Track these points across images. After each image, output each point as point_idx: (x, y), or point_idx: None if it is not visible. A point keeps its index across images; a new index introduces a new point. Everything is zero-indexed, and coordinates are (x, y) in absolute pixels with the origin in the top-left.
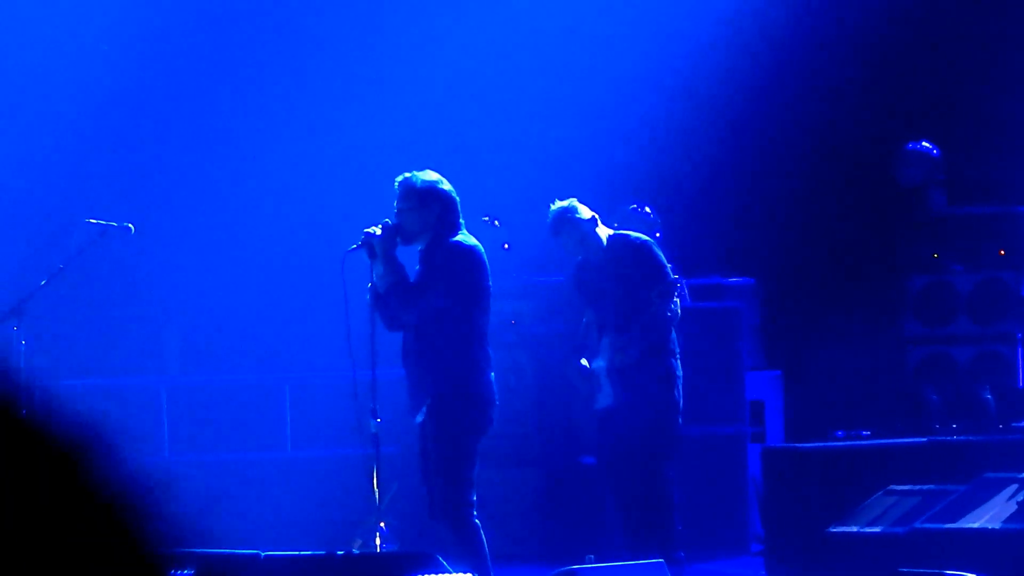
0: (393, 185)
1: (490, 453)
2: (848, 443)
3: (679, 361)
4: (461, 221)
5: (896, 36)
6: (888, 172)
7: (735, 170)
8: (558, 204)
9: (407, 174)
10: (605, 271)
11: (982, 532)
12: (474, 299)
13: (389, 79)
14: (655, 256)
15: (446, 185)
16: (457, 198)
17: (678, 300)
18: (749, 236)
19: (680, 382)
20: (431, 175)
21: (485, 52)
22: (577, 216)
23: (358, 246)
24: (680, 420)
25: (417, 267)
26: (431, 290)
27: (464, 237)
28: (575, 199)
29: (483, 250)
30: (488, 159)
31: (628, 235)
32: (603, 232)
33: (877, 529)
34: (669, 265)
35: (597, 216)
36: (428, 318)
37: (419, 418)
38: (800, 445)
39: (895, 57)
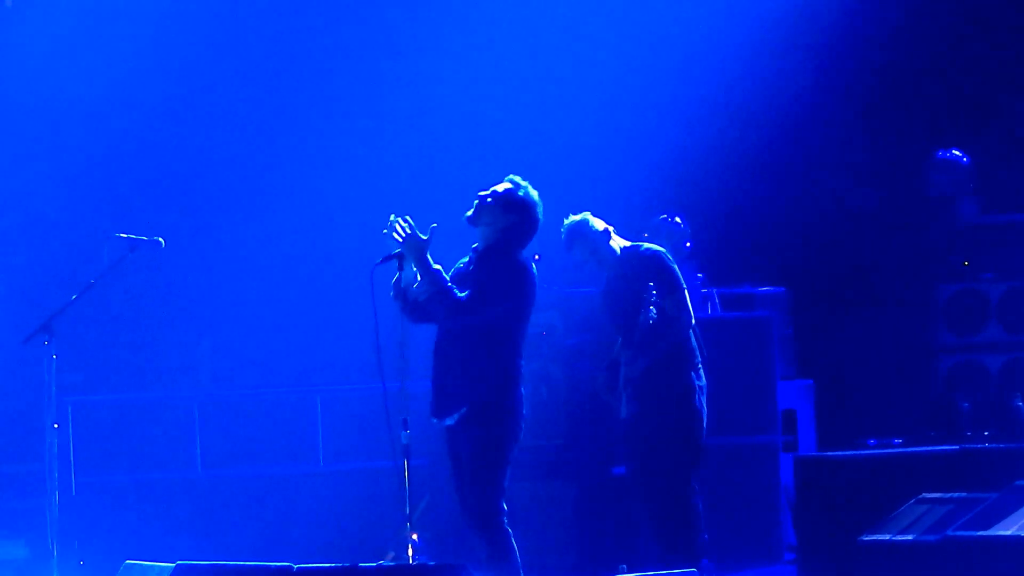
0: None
1: (523, 465)
2: (880, 451)
3: (702, 370)
4: (527, 245)
5: (927, 44)
6: (918, 181)
7: (766, 180)
8: (571, 218)
9: (520, 180)
10: (619, 284)
11: (1015, 540)
12: (520, 317)
13: (422, 95)
14: (667, 266)
15: (539, 212)
16: (539, 224)
17: (692, 310)
18: (780, 245)
19: (701, 392)
20: (535, 195)
21: (518, 61)
22: (589, 229)
23: (387, 259)
24: (703, 429)
25: (468, 265)
26: (489, 301)
27: (524, 258)
28: (589, 213)
29: (536, 272)
30: (520, 169)
31: (639, 246)
32: (617, 244)
33: (909, 537)
34: (681, 276)
35: (611, 228)
36: (475, 327)
37: (449, 422)
38: (832, 454)
39: (926, 66)
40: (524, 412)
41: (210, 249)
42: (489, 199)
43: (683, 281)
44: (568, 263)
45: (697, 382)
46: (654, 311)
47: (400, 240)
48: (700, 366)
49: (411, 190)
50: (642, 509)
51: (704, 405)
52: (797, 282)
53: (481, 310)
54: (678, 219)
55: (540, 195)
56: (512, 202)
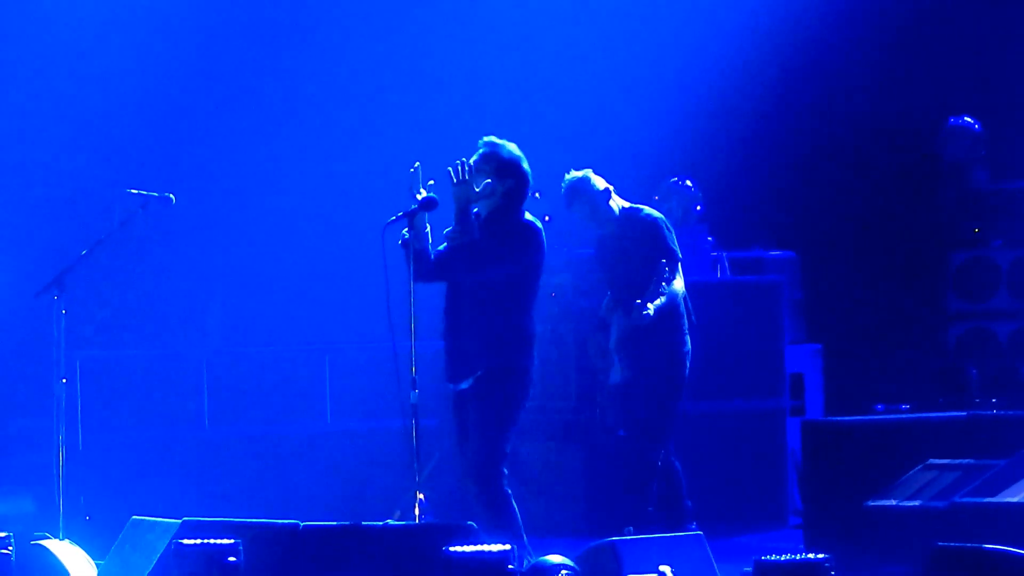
0: (477, 144)
1: (532, 427)
2: (888, 417)
3: (688, 336)
4: (525, 203)
5: (940, 10)
6: (930, 147)
7: (777, 144)
8: (573, 175)
9: (495, 139)
10: (615, 244)
11: (1021, 507)
12: (531, 278)
13: (430, 49)
14: (662, 234)
15: (526, 165)
16: (531, 182)
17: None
18: (791, 210)
19: (687, 358)
20: (517, 150)
21: (530, 22)
22: (591, 187)
23: (398, 218)
24: (681, 399)
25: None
26: (497, 261)
27: (530, 218)
28: (590, 170)
29: (544, 233)
30: (530, 131)
31: (640, 210)
32: (616, 204)
33: (916, 503)
34: (676, 244)
35: (612, 188)
36: (485, 290)
37: (463, 385)
38: (839, 419)
39: (938, 31)
40: (534, 375)
41: (221, 206)
42: (482, 167)
43: (678, 251)
44: (581, 224)
45: (685, 347)
46: (665, 287)
47: (455, 183)
48: (687, 333)
49: (422, 147)
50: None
51: (687, 370)
52: (807, 246)
53: (495, 265)
54: (688, 182)
55: (552, 157)
56: (505, 164)
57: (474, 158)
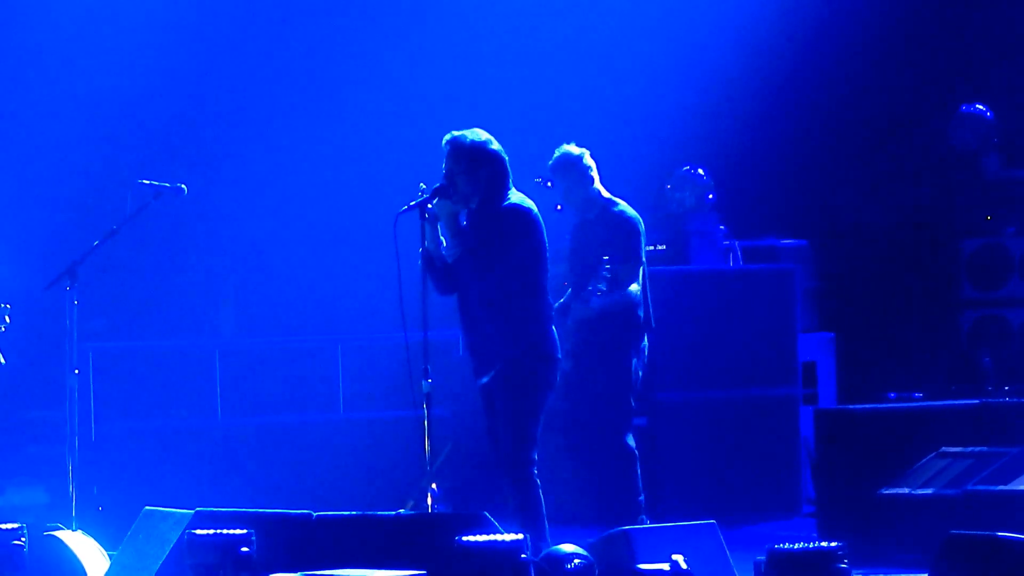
0: (441, 145)
1: (550, 416)
2: (901, 405)
3: (642, 342)
4: (510, 181)
5: None
6: (942, 135)
7: (789, 132)
8: (571, 148)
9: (455, 133)
10: (589, 231)
11: None
12: (535, 259)
13: (441, 39)
14: (636, 235)
15: (496, 145)
16: (507, 158)
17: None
18: (803, 198)
19: (640, 355)
20: (481, 134)
21: (542, 11)
22: (584, 165)
23: (410, 207)
24: (634, 393)
25: (466, 229)
26: (494, 256)
27: (517, 198)
28: (587, 151)
29: (537, 209)
30: (542, 120)
31: (617, 204)
32: (600, 190)
33: (929, 491)
34: (643, 249)
35: (597, 176)
36: (492, 282)
37: (485, 380)
38: (852, 407)
39: (950, 18)
40: (558, 354)
41: (233, 197)
42: (454, 166)
43: (643, 255)
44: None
45: (631, 353)
46: (603, 284)
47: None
48: (641, 338)
49: (433, 139)
50: (576, 462)
51: (640, 370)
52: (819, 235)
53: (494, 260)
54: (701, 171)
55: (567, 151)
56: (475, 154)
57: (443, 162)
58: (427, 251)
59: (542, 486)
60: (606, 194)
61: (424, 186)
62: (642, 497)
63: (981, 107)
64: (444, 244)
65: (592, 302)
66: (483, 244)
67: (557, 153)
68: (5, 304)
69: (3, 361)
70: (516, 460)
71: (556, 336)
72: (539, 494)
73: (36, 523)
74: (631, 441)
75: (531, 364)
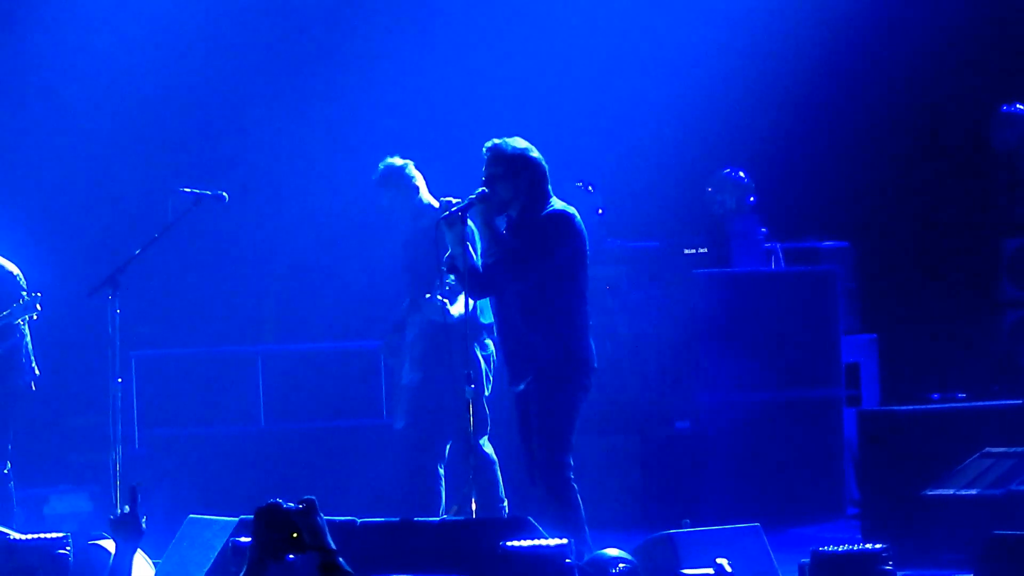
0: (481, 152)
1: (588, 419)
2: (944, 406)
3: (488, 341)
4: (550, 188)
5: None
6: (983, 135)
7: (830, 134)
8: (395, 160)
9: (496, 140)
10: (423, 239)
11: None
12: (575, 265)
13: (473, 46)
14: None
15: (536, 153)
16: (546, 165)
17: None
18: (844, 200)
19: (486, 361)
20: (521, 142)
21: (580, 13)
22: (407, 175)
23: (451, 213)
24: (485, 397)
25: (506, 235)
26: (535, 261)
27: (558, 204)
28: (411, 162)
29: (579, 216)
30: (583, 124)
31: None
32: (428, 199)
33: (973, 491)
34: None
35: (423, 185)
36: (531, 288)
37: (521, 387)
38: (895, 408)
39: (990, 18)
40: (594, 362)
41: (274, 203)
42: (493, 172)
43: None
44: (634, 216)
45: (482, 352)
46: (451, 278)
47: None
48: (486, 337)
49: (474, 147)
50: (427, 471)
51: (489, 373)
52: (861, 236)
53: (534, 265)
54: (742, 173)
55: (605, 150)
56: (515, 161)
57: (484, 168)
58: (451, 257)
59: (593, 486)
60: (434, 202)
61: (453, 200)
62: (504, 503)
63: (1022, 107)
64: (470, 251)
65: (447, 316)
66: (525, 250)
67: (381, 166)
68: (36, 292)
69: (38, 372)
70: (552, 465)
71: (592, 344)
72: (577, 498)
73: (81, 531)
74: (488, 447)
75: (567, 370)
